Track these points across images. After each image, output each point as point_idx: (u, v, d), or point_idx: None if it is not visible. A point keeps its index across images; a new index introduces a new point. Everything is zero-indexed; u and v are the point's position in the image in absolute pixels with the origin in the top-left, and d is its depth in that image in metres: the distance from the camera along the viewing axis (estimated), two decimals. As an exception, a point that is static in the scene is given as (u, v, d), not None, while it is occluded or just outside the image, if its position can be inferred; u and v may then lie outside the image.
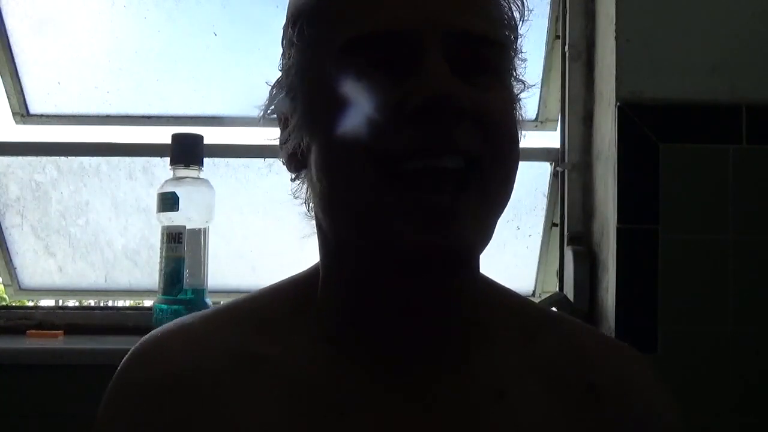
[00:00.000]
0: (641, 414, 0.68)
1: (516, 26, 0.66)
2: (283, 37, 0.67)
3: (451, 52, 0.58)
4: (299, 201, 0.68)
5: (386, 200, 0.57)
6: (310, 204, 0.67)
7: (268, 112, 0.67)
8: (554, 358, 0.67)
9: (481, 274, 0.70)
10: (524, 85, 0.68)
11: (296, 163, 0.65)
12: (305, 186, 0.66)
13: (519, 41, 0.67)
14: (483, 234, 0.60)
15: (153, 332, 0.70)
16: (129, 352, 0.70)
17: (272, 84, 0.67)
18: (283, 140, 0.66)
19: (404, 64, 0.58)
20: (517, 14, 0.66)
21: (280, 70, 0.66)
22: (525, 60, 0.68)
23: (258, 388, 0.63)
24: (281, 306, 0.68)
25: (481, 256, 0.67)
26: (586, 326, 0.76)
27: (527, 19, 0.67)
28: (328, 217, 0.63)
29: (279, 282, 0.71)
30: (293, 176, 0.67)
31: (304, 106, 0.63)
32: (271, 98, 0.67)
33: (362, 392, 0.63)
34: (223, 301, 0.80)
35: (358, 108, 0.58)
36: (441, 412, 0.63)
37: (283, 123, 0.66)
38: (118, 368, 0.69)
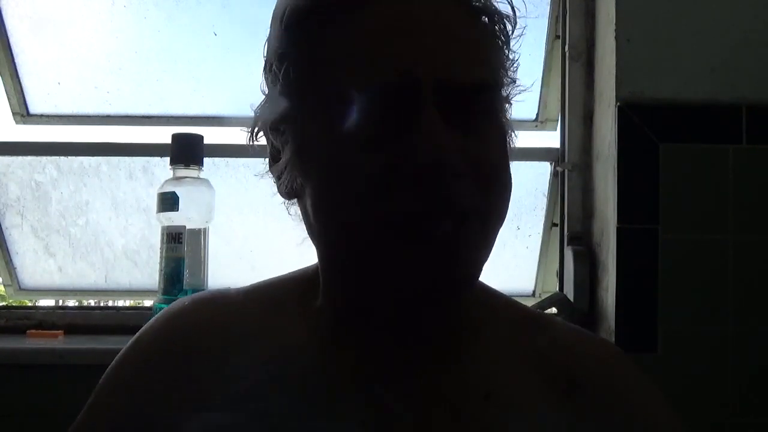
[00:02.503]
0: (627, 412, 0.68)
1: (505, 40, 0.66)
2: (264, 68, 0.67)
3: (447, 101, 0.58)
4: (295, 203, 0.69)
5: (384, 251, 0.59)
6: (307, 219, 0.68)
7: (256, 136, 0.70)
8: (539, 355, 0.69)
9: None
10: (517, 87, 0.69)
11: (290, 194, 0.67)
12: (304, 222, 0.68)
13: (513, 49, 0.67)
14: (480, 265, 0.63)
15: (191, 296, 0.77)
16: (163, 310, 0.76)
17: (256, 108, 0.68)
18: (278, 174, 0.66)
19: (400, 118, 0.57)
20: (508, 31, 0.66)
21: (263, 93, 0.67)
22: (518, 65, 0.68)
23: (266, 364, 0.67)
24: (291, 294, 0.72)
25: None
26: (571, 326, 0.77)
27: (521, 32, 0.67)
28: (324, 255, 0.67)
29: (291, 273, 0.75)
30: (286, 202, 0.70)
31: (295, 146, 0.63)
32: (256, 121, 0.68)
33: (354, 385, 0.65)
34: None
35: (353, 163, 0.58)
36: (429, 410, 0.64)
37: (272, 148, 0.67)
38: (145, 326, 0.75)
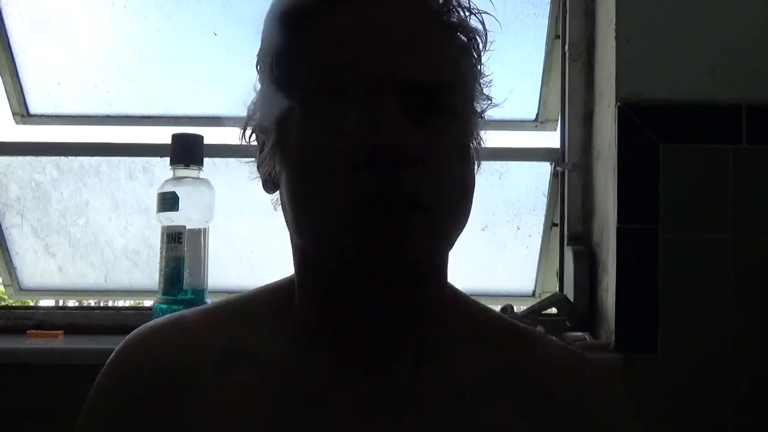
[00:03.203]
0: (598, 425, 0.70)
1: (477, 56, 0.69)
2: (256, 63, 0.73)
3: (406, 97, 0.62)
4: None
5: (344, 222, 0.62)
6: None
7: (249, 132, 0.73)
8: (515, 364, 0.71)
9: (450, 285, 0.74)
10: (490, 101, 0.72)
11: (271, 185, 0.71)
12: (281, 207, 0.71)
13: (480, 67, 0.70)
14: (430, 254, 0.65)
15: (147, 324, 0.75)
16: (122, 341, 0.74)
17: (248, 105, 0.73)
18: (259, 163, 0.72)
19: (363, 110, 0.62)
20: (479, 39, 0.69)
21: (255, 92, 0.72)
22: (490, 82, 0.71)
23: (241, 381, 0.67)
24: (265, 308, 0.73)
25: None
26: (551, 338, 0.80)
27: (489, 49, 0.70)
28: (296, 237, 0.69)
29: (264, 286, 0.77)
30: (273, 199, 0.73)
31: (276, 137, 0.68)
32: (248, 118, 0.73)
33: (333, 389, 0.67)
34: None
35: (319, 150, 0.64)
36: (405, 408, 0.66)
37: (261, 144, 0.72)
38: (110, 357, 0.73)
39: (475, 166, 0.70)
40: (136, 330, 0.74)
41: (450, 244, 0.67)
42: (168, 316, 0.76)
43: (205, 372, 0.68)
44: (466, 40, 0.68)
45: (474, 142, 0.70)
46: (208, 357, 0.69)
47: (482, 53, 0.70)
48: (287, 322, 0.70)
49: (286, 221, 0.69)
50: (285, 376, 0.67)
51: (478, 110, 0.71)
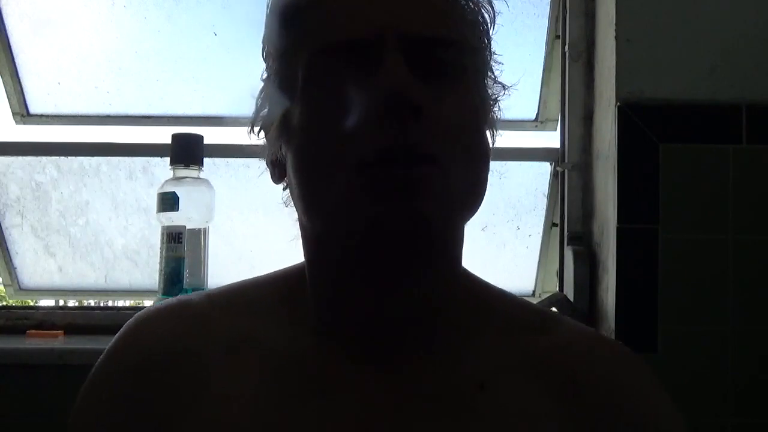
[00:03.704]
0: (632, 414, 0.67)
1: (486, 29, 0.68)
2: (262, 50, 0.70)
3: (411, 56, 0.60)
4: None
5: (350, 188, 0.60)
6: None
7: (257, 125, 0.70)
8: (540, 353, 0.68)
9: (468, 272, 0.72)
10: (503, 86, 0.70)
11: (279, 172, 0.69)
12: (289, 192, 0.69)
13: (490, 44, 0.69)
14: (444, 213, 0.61)
15: (150, 307, 0.72)
16: (128, 322, 0.71)
17: (256, 96, 0.71)
18: (267, 154, 0.70)
19: (367, 69, 0.60)
20: (487, 17, 0.68)
21: (262, 81, 0.70)
22: (500, 63, 0.70)
23: (251, 370, 0.65)
24: (273, 295, 0.71)
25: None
26: (580, 325, 0.75)
27: (497, 23, 0.69)
28: (305, 215, 0.66)
29: (273, 272, 0.74)
30: (282, 186, 0.71)
31: (280, 116, 0.66)
32: (257, 110, 0.70)
33: (345, 377, 0.65)
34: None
35: (325, 114, 0.61)
36: (423, 400, 0.64)
37: (267, 133, 0.70)
38: (113, 339, 0.70)
39: (490, 136, 0.67)
40: (139, 313, 0.71)
41: (464, 211, 0.64)
42: (173, 299, 0.73)
43: (212, 360, 0.65)
44: (475, 7, 0.67)
45: (489, 110, 0.67)
46: (215, 344, 0.66)
47: (491, 25, 0.68)
48: (297, 311, 0.68)
49: (295, 205, 0.67)
50: (296, 366, 0.65)
51: (492, 79, 0.68)
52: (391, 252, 0.62)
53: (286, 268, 0.73)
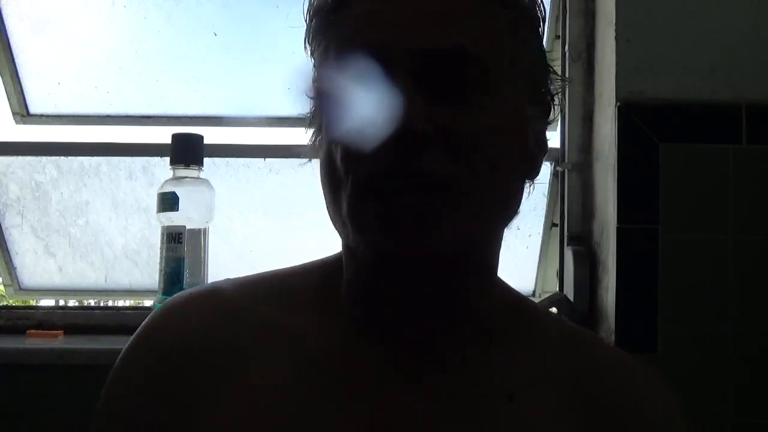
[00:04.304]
0: None
1: (527, 32, 0.64)
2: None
3: (425, 70, 0.58)
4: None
5: (359, 210, 0.59)
6: None
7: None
8: (571, 371, 0.67)
9: (504, 283, 0.71)
10: (551, 97, 0.67)
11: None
12: None
13: (533, 46, 0.65)
14: (454, 238, 0.59)
15: (184, 292, 0.71)
16: (158, 308, 0.70)
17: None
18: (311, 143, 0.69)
19: (377, 88, 0.58)
20: (525, 19, 0.64)
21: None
22: (550, 70, 0.67)
23: (276, 361, 0.64)
24: (309, 286, 0.69)
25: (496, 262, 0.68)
26: (611, 346, 0.76)
27: (539, 26, 0.65)
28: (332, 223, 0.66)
29: (310, 262, 0.72)
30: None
31: (318, 122, 0.66)
32: (310, 111, 0.70)
33: (374, 376, 0.64)
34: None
35: (338, 131, 0.61)
36: (450, 406, 0.63)
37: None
38: (143, 323, 0.69)
39: (537, 142, 0.65)
40: (169, 299, 0.70)
41: (486, 231, 0.62)
42: (203, 286, 0.72)
43: (240, 348, 0.64)
44: (511, 13, 0.63)
45: (527, 124, 0.64)
46: (245, 334, 0.65)
47: (539, 29, 0.65)
48: (333, 306, 0.67)
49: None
50: (325, 362, 0.64)
51: (541, 92, 0.66)
52: (407, 282, 0.62)
53: (323, 258, 0.72)
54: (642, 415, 0.68)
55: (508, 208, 0.64)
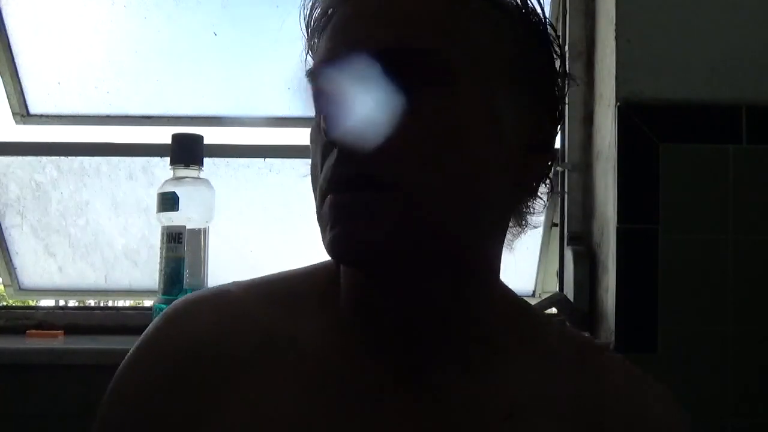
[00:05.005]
0: None
1: (502, 33, 0.63)
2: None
3: (385, 70, 0.58)
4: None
5: (320, 212, 0.62)
6: None
7: None
8: (571, 387, 0.66)
9: (510, 292, 0.71)
10: (554, 99, 0.66)
11: None
12: None
13: (518, 47, 0.64)
14: (398, 233, 0.58)
15: (189, 295, 0.71)
16: (161, 313, 0.70)
17: None
18: None
19: (334, 91, 0.60)
20: (507, 21, 0.63)
21: None
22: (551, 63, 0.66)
23: (283, 370, 0.64)
24: (312, 289, 0.69)
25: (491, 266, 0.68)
26: (618, 358, 0.72)
27: (532, 27, 0.65)
28: None
29: (314, 264, 0.72)
30: None
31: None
32: None
33: (374, 386, 0.63)
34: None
35: (313, 138, 0.64)
36: (448, 419, 0.63)
37: None
38: (148, 328, 0.70)
39: (516, 155, 0.62)
40: (178, 301, 0.70)
41: (447, 233, 0.60)
42: (212, 289, 0.72)
43: (245, 356, 0.64)
44: (491, 14, 0.62)
45: (510, 125, 0.62)
46: (251, 340, 0.65)
47: (532, 30, 0.64)
48: (333, 312, 0.66)
49: None
50: (328, 372, 0.63)
51: (540, 94, 0.64)
52: (381, 283, 0.63)
53: (327, 261, 0.71)
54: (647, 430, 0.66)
55: (481, 210, 0.62)
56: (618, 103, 1.24)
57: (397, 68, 0.58)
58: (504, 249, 0.70)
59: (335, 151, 0.58)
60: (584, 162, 1.41)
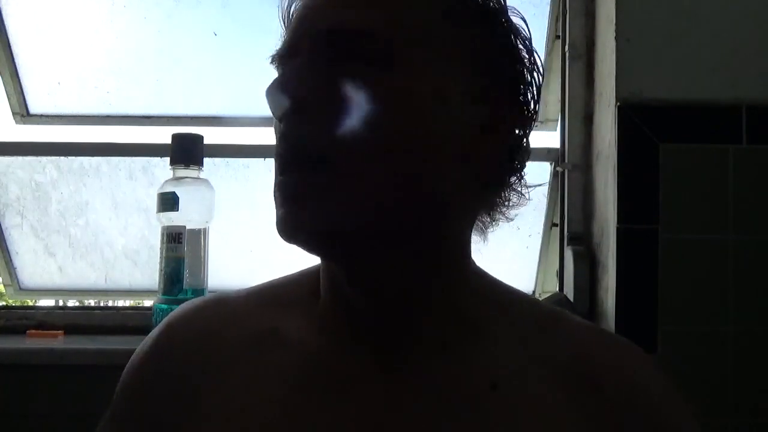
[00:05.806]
0: (652, 419, 0.67)
1: (456, 19, 0.63)
2: None
3: (322, 50, 0.60)
4: None
5: (274, 193, 0.63)
6: None
7: None
8: (555, 355, 0.67)
9: (481, 271, 0.72)
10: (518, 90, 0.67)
11: None
12: None
13: (475, 33, 0.64)
14: (340, 217, 0.59)
15: (191, 301, 0.74)
16: (165, 318, 0.74)
17: None
18: None
19: (283, 69, 0.64)
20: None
21: None
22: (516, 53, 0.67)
23: (268, 364, 0.66)
24: (303, 291, 0.71)
25: (477, 256, 0.71)
26: (592, 325, 0.75)
27: (492, 15, 0.67)
28: None
29: (309, 267, 0.74)
30: None
31: None
32: None
33: (358, 376, 0.65)
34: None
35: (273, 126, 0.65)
36: (432, 399, 0.63)
37: None
38: (142, 343, 0.73)
39: (474, 141, 0.63)
40: (180, 306, 0.74)
41: (380, 207, 0.59)
42: (213, 295, 0.75)
43: (235, 354, 0.67)
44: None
45: (464, 109, 0.63)
46: (241, 339, 0.68)
47: (493, 18, 0.65)
48: (317, 307, 0.69)
49: None
50: (310, 362, 0.65)
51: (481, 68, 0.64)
52: (339, 267, 0.64)
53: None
54: (636, 388, 0.69)
55: (430, 188, 0.61)
56: (618, 103, 1.24)
57: (340, 50, 0.60)
58: (477, 237, 0.72)
59: (280, 124, 0.61)
60: (584, 162, 1.41)
